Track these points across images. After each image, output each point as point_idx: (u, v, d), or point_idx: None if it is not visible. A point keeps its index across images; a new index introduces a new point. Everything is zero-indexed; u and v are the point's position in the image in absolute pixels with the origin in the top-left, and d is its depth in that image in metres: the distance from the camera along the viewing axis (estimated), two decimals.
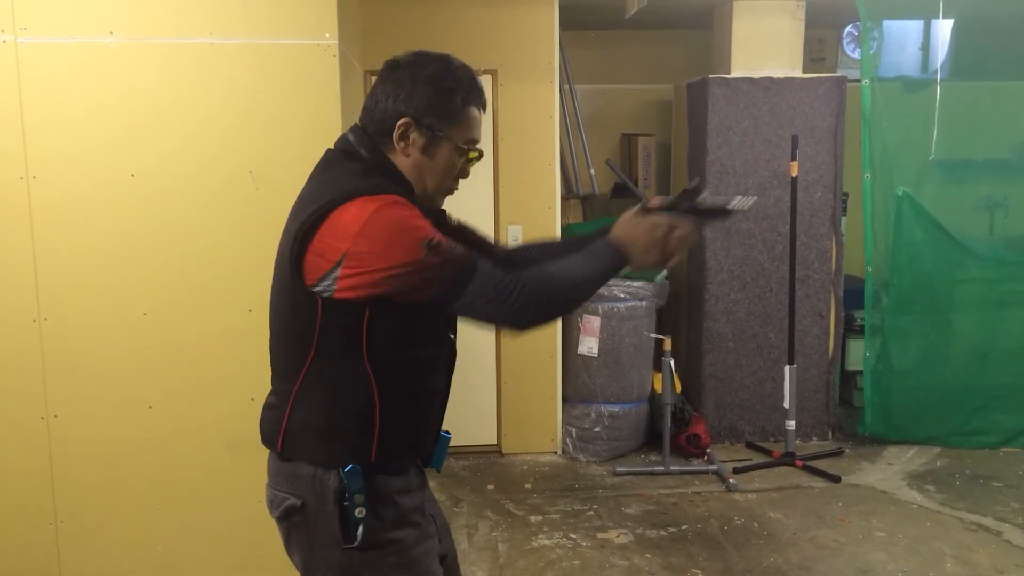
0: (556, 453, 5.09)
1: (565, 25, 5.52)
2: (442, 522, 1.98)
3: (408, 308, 1.67)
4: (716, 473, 4.77)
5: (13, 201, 3.01)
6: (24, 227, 3.02)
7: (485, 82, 4.83)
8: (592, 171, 5.75)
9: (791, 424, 4.87)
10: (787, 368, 4.86)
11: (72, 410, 3.12)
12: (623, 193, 5.97)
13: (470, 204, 4.82)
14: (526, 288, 1.65)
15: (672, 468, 4.77)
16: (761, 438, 5.30)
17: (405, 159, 1.75)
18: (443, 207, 1.90)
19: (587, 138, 5.87)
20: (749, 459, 4.98)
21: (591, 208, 5.87)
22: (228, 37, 3.05)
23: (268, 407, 1.81)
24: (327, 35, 3.10)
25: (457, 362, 1.90)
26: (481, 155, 1.83)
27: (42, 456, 3.13)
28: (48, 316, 3.07)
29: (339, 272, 1.61)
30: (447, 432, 1.94)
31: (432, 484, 4.48)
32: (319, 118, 3.12)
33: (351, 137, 1.78)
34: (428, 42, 4.91)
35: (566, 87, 5.64)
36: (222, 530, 3.23)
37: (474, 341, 4.94)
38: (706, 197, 1.86)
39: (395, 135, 1.73)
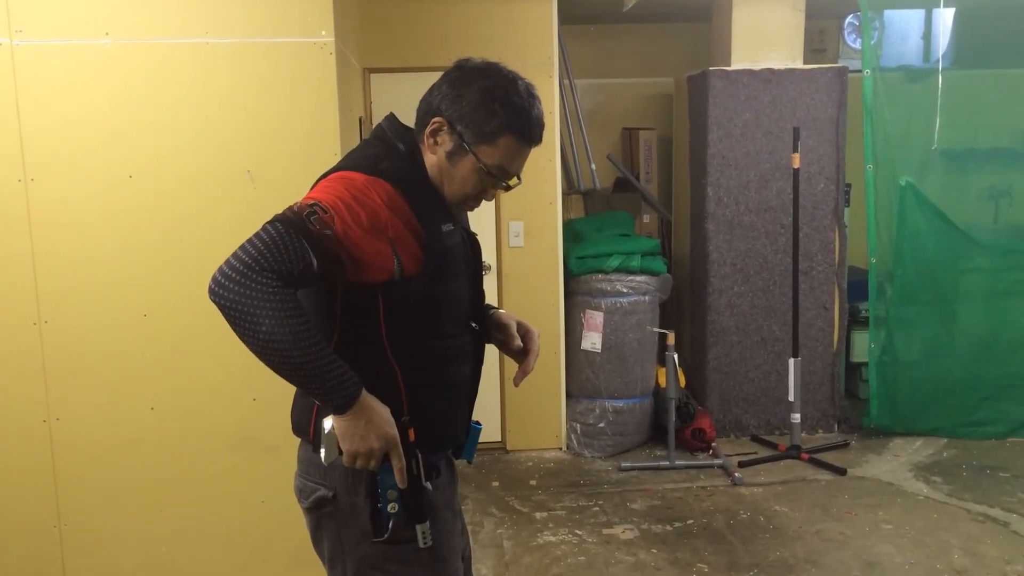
0: (561, 449, 5.07)
1: (564, 19, 5.50)
2: (463, 520, 1.97)
3: (419, 299, 1.68)
4: (721, 467, 4.75)
5: (11, 204, 3.00)
6: (23, 230, 3.01)
7: None
8: (593, 166, 5.72)
9: (796, 417, 4.85)
10: (791, 361, 4.84)
11: (74, 413, 3.12)
12: (625, 187, 5.96)
13: None
14: (283, 335, 1.48)
15: (677, 463, 4.76)
16: (766, 432, 5.28)
17: (431, 156, 1.75)
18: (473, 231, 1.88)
19: (588, 133, 5.85)
20: (754, 453, 4.96)
21: (593, 203, 5.85)
22: (224, 36, 3.03)
23: (299, 395, 1.80)
24: (323, 33, 3.08)
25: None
26: (508, 189, 1.77)
27: (44, 459, 3.12)
28: (48, 319, 3.06)
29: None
30: (478, 423, 1.93)
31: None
32: (317, 116, 3.11)
33: (385, 123, 1.80)
34: (424, 37, 4.92)
35: (566, 82, 5.62)
36: (226, 532, 3.22)
37: None
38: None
39: (427, 130, 1.73)
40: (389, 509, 1.69)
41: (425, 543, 1.70)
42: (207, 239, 3.08)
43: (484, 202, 1.83)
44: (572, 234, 5.25)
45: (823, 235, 5.23)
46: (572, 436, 5.05)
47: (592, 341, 4.94)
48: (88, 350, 3.09)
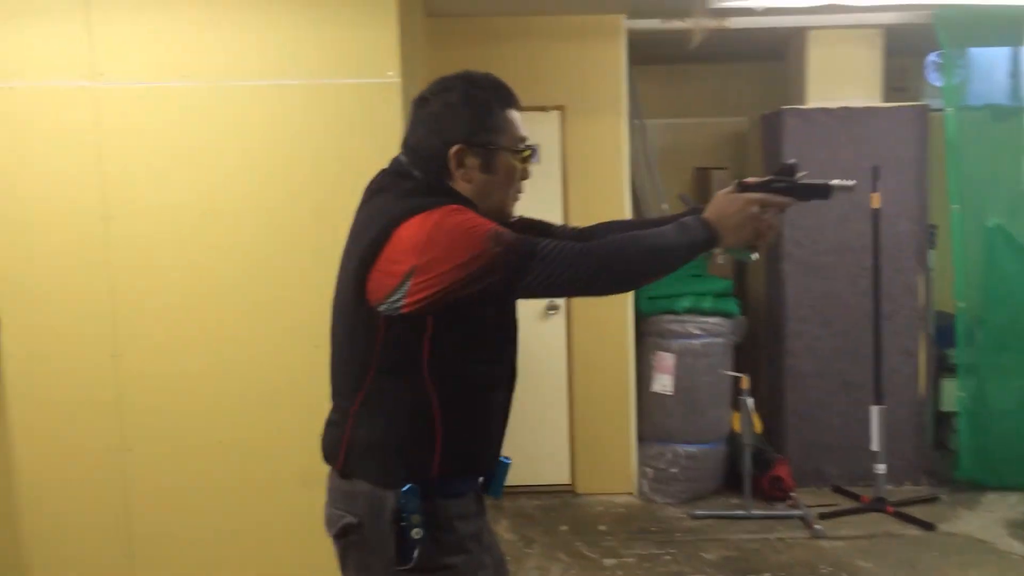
0: (631, 494, 4.94)
1: (636, 60, 5.49)
2: (498, 556, 1.91)
3: (469, 321, 1.67)
4: (801, 518, 4.55)
5: (91, 241, 3.10)
6: (101, 266, 3.11)
7: (552, 118, 4.87)
8: (665, 206, 5.64)
9: (881, 468, 4.62)
10: (874, 408, 4.63)
11: (146, 446, 3.17)
12: None
13: None
14: (598, 254, 1.62)
15: (754, 512, 4.57)
16: (849, 482, 5.04)
17: (467, 185, 1.74)
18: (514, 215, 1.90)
19: (660, 172, 5.79)
20: (836, 504, 4.74)
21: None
22: (295, 78, 3.11)
23: (329, 424, 1.81)
24: (390, 73, 3.13)
25: (518, 380, 1.87)
26: (534, 151, 1.84)
27: (117, 491, 3.17)
28: (124, 352, 3.13)
29: (408, 287, 1.61)
30: (507, 458, 1.90)
31: (503, 524, 4.47)
32: (384, 154, 3.10)
33: (403, 159, 1.79)
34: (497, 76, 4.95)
35: (636, 121, 5.58)
36: (296, 566, 3.20)
37: (546, 377, 4.87)
38: (805, 175, 1.81)
39: (452, 165, 1.73)
40: (413, 535, 1.66)
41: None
42: (276, 276, 3.12)
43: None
44: None
45: (906, 277, 5.03)
46: (643, 481, 4.92)
47: (663, 383, 4.83)
48: (160, 384, 3.16)
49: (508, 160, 1.76)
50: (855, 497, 4.81)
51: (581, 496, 4.94)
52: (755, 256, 1.80)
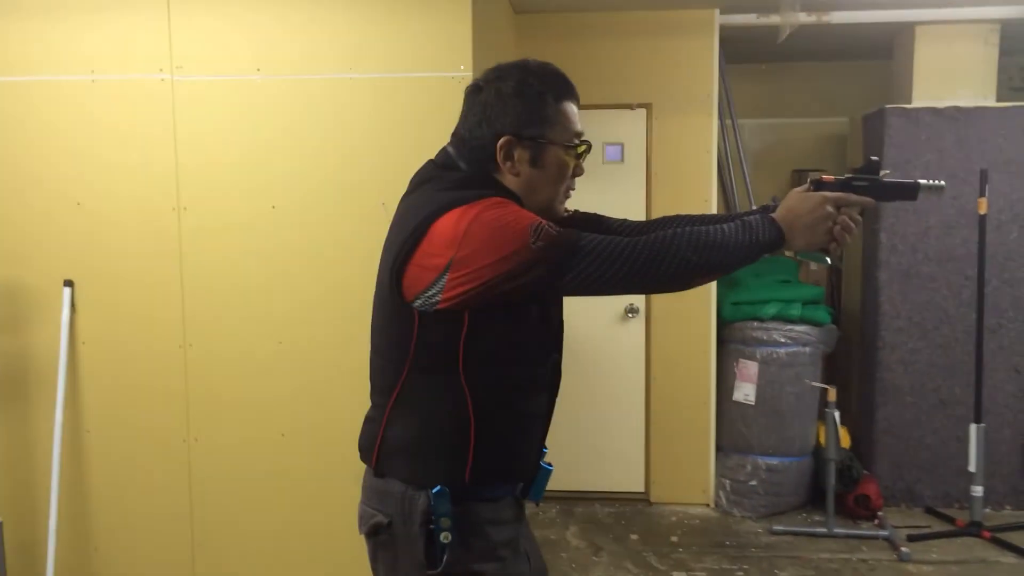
0: (708, 505, 4.79)
1: (731, 58, 5.31)
2: (539, 565, 1.85)
3: (508, 320, 1.62)
4: (887, 539, 4.31)
5: (166, 232, 3.17)
6: (174, 258, 3.18)
7: (638, 117, 4.75)
8: (755, 207, 5.44)
9: (978, 490, 4.33)
10: (973, 427, 4.35)
11: (211, 435, 3.23)
12: None
13: None
14: (646, 249, 1.53)
15: (836, 531, 4.36)
16: (943, 504, 4.76)
17: (515, 178, 1.68)
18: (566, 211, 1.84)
19: (756, 174, 5.60)
20: (927, 526, 4.47)
21: (769, 255, 5.55)
22: (367, 72, 3.10)
23: (366, 420, 1.79)
24: (461, 67, 3.09)
25: (561, 384, 1.82)
26: (589, 147, 1.75)
27: (182, 478, 3.25)
28: (193, 343, 3.20)
29: (445, 282, 1.57)
30: (549, 464, 1.85)
31: (572, 529, 4.40)
32: None
33: (451, 150, 1.74)
34: (582, 75, 4.85)
35: (728, 121, 5.40)
36: (352, 560, 3.22)
37: (623, 381, 4.77)
38: (888, 174, 1.70)
39: (499, 156, 1.67)
40: (443, 539, 1.62)
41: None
42: (343, 271, 3.13)
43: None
44: (729, 280, 4.99)
45: (1017, 289, 4.71)
46: (721, 492, 4.76)
47: (745, 392, 4.66)
48: (226, 376, 3.21)
49: (559, 155, 1.69)
50: (949, 520, 4.53)
51: (655, 505, 4.81)
52: (828, 261, 1.68)
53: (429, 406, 1.66)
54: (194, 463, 3.23)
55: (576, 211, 1.93)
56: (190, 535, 3.26)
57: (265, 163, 3.14)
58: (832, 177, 1.67)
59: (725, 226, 1.60)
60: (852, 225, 1.64)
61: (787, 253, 1.66)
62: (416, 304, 1.60)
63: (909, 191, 1.72)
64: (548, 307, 1.73)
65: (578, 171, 1.75)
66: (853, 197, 1.64)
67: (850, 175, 1.68)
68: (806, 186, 1.67)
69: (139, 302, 3.19)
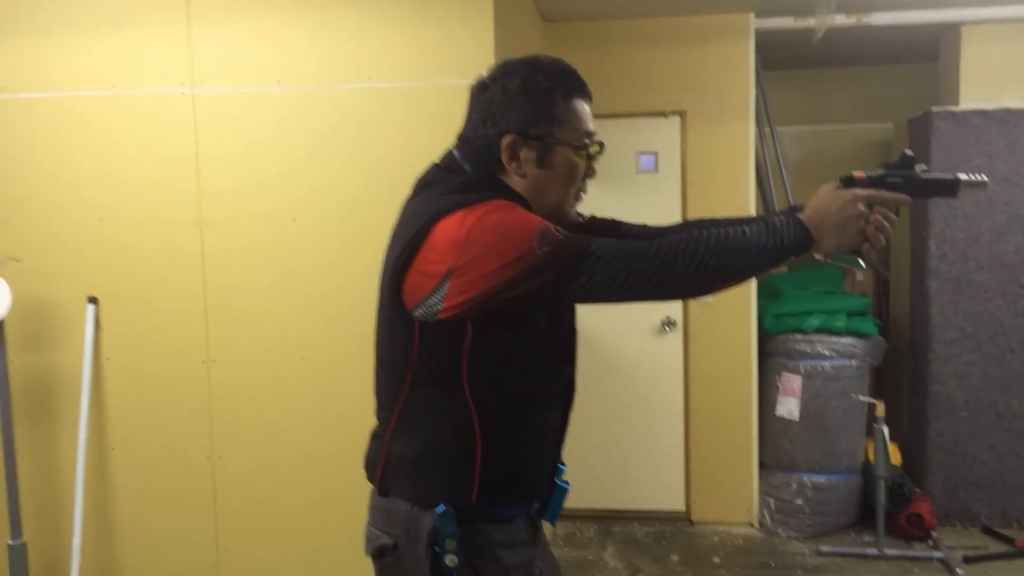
0: (752, 525, 4.61)
1: (769, 64, 5.18)
2: None
3: (514, 331, 1.53)
4: (942, 561, 4.10)
5: (188, 247, 3.14)
6: (197, 273, 3.14)
7: (672, 124, 4.64)
8: None
9: None
10: None
11: (234, 453, 3.18)
12: None
13: None
14: (661, 253, 1.44)
15: (887, 551, 4.16)
16: (1001, 523, 4.52)
17: (521, 180, 1.59)
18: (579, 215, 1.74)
19: (797, 183, 5.43)
20: (985, 547, 4.25)
21: (797, 258, 5.38)
22: (387, 81, 3.05)
23: (372, 438, 1.71)
24: (483, 75, 3.01)
25: (576, 397, 1.71)
26: (602, 147, 1.64)
27: (207, 494, 3.20)
28: (216, 359, 3.15)
29: (447, 289, 1.48)
30: (566, 482, 1.75)
31: (610, 550, 4.26)
32: None
33: (456, 153, 1.65)
34: (613, 83, 4.76)
35: (767, 129, 5.26)
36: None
37: (661, 396, 4.63)
38: (924, 169, 1.59)
39: (504, 157, 1.58)
40: (448, 562, 1.52)
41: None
42: (366, 283, 3.04)
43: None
44: (770, 291, 4.84)
45: None
46: (765, 512, 4.58)
47: (788, 407, 4.48)
48: (249, 391, 3.16)
49: (568, 156, 1.59)
50: (1007, 540, 4.30)
51: (696, 525, 4.65)
52: (862, 264, 1.56)
53: (433, 421, 1.57)
54: (218, 481, 3.18)
55: (593, 216, 1.83)
56: (215, 554, 3.21)
57: (287, 176, 3.10)
58: (864, 174, 1.56)
59: (747, 228, 1.49)
60: (886, 224, 1.52)
61: (816, 256, 1.54)
62: (417, 313, 1.52)
63: (948, 187, 1.61)
64: (558, 316, 1.62)
65: (590, 173, 1.65)
66: (887, 194, 1.52)
67: (884, 171, 1.56)
68: (835, 183, 1.55)
69: (163, 319, 3.16)
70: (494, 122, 1.58)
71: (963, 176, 1.60)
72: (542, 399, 1.62)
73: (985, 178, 1.60)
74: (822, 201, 1.52)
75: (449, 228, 1.48)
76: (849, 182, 1.54)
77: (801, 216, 1.51)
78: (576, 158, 1.60)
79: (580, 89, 1.61)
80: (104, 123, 3.13)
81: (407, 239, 1.53)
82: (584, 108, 1.61)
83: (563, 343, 1.66)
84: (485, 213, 1.47)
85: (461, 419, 1.54)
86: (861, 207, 1.50)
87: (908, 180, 1.55)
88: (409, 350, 1.55)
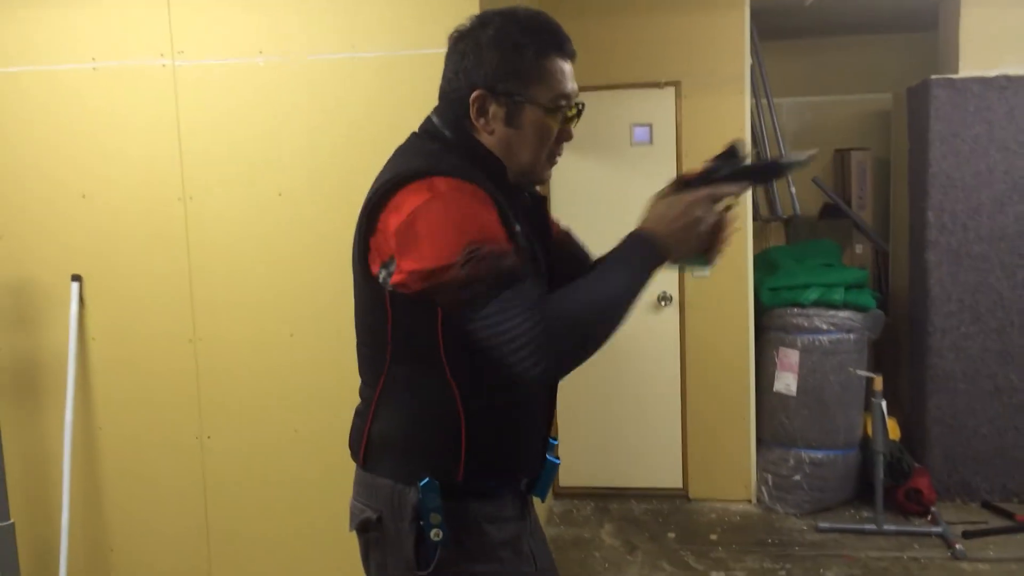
0: (750, 501, 4.57)
1: (766, 34, 5.10)
2: (545, 564, 1.68)
3: None
4: (941, 536, 4.07)
5: (172, 222, 3.07)
6: (182, 249, 3.08)
7: (666, 95, 4.56)
8: (793, 190, 5.22)
9: None
10: None
11: (223, 431, 3.13)
12: (834, 214, 5.41)
13: None
14: (544, 329, 1.35)
15: (886, 527, 4.13)
16: (1001, 497, 4.49)
17: (490, 137, 1.52)
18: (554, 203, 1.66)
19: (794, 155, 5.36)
20: (984, 522, 4.21)
21: (796, 231, 5.34)
22: (371, 51, 2.97)
23: (355, 415, 1.66)
24: (461, 25, 2.93)
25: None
26: (580, 110, 1.55)
27: (196, 475, 3.15)
28: (203, 337, 3.10)
29: (392, 269, 1.44)
30: (556, 458, 1.70)
31: (607, 528, 4.23)
32: None
33: (435, 118, 1.58)
34: (606, 53, 4.68)
35: (763, 101, 5.18)
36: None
37: (657, 373, 4.58)
38: (750, 155, 1.55)
39: (472, 112, 1.50)
40: (433, 536, 1.48)
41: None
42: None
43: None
44: (767, 264, 4.78)
45: None
46: (763, 488, 4.54)
47: (786, 382, 4.44)
48: (238, 370, 3.10)
49: (539, 117, 1.50)
50: (1007, 515, 4.27)
51: (694, 502, 4.61)
52: (708, 266, 1.54)
53: (415, 399, 1.52)
54: (207, 461, 3.13)
55: (568, 232, 1.76)
56: (206, 533, 3.17)
57: (271, 149, 3.02)
58: (694, 173, 1.52)
59: (603, 271, 1.46)
60: (726, 221, 1.50)
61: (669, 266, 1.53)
62: (380, 278, 1.46)
63: (774, 171, 1.63)
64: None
65: (564, 136, 1.56)
66: (720, 190, 1.48)
67: (710, 165, 1.52)
68: (668, 188, 1.53)
69: (148, 295, 3.10)
70: (465, 75, 1.50)
71: (784, 158, 1.58)
72: None
73: (809, 153, 1.55)
74: (660, 211, 1.49)
75: (400, 202, 1.42)
76: (680, 185, 1.52)
77: (642, 233, 1.48)
78: (548, 120, 1.51)
79: (557, 46, 1.51)
80: (84, 97, 3.05)
81: (366, 204, 1.49)
82: (560, 67, 1.51)
83: None
84: (433, 198, 1.39)
85: (443, 396, 1.49)
86: (698, 212, 1.46)
87: (735, 171, 1.51)
88: (384, 326, 1.50)
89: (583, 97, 1.62)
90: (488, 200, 1.44)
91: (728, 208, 1.52)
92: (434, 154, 1.50)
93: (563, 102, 1.51)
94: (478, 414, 1.50)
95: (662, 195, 1.53)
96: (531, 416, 1.60)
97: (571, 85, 1.53)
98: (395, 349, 1.51)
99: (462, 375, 1.48)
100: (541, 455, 1.65)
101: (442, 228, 1.38)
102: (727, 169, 1.51)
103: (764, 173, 1.65)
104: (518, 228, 1.50)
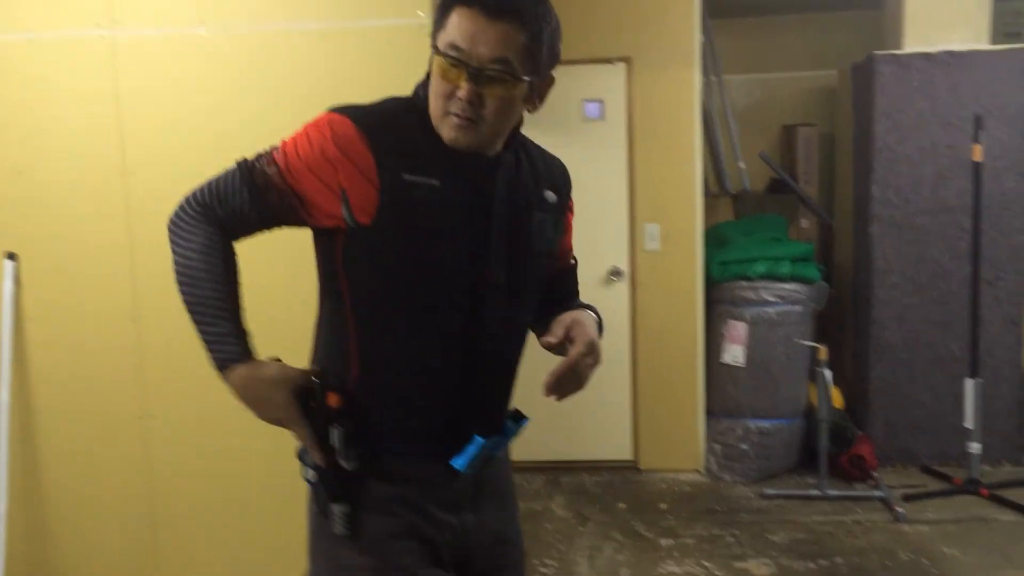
0: (698, 471, 4.65)
1: (715, 12, 5.12)
2: (483, 539, 1.64)
3: (385, 256, 1.47)
4: (882, 500, 4.18)
5: (111, 198, 3.00)
6: (121, 224, 3.01)
7: (617, 71, 4.56)
8: (742, 165, 5.28)
9: (975, 447, 4.19)
10: (969, 382, 4.20)
11: (166, 411, 3.09)
12: (781, 189, 5.47)
13: (603, 199, 4.51)
14: (183, 234, 1.57)
15: (830, 492, 4.23)
16: (939, 462, 4.62)
17: None
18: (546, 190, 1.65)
19: (744, 131, 5.42)
20: (923, 485, 4.34)
21: (744, 206, 5.39)
22: (317, 22, 2.92)
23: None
24: (420, 13, 2.91)
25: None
26: (455, 61, 1.42)
27: (138, 456, 3.10)
28: (144, 314, 3.04)
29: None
30: (481, 438, 1.56)
31: (559, 500, 4.27)
32: None
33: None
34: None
35: (713, 78, 5.21)
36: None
37: (608, 346, 4.59)
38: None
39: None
40: (309, 477, 1.54)
41: (343, 530, 1.51)
42: (299, 233, 2.96)
43: (616, 201, 1.72)
44: (717, 239, 4.83)
45: (1012, 239, 4.55)
46: (711, 457, 4.62)
47: (734, 354, 4.51)
48: (182, 348, 3.03)
49: (438, 64, 1.45)
50: (946, 479, 4.40)
51: (644, 473, 4.68)
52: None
53: (324, 344, 1.57)
54: (149, 440, 3.09)
55: (567, 271, 1.85)
56: (149, 513, 3.12)
57: (217, 122, 2.96)
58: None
59: (211, 315, 1.59)
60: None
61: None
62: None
63: None
64: (437, 249, 1.48)
65: (450, 91, 1.44)
66: (299, 435, 1.54)
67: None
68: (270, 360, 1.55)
69: (87, 274, 3.02)
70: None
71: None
72: (429, 334, 1.50)
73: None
74: (249, 374, 1.56)
75: None
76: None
77: (231, 375, 1.56)
78: (438, 69, 1.45)
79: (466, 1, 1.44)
80: (19, 70, 2.96)
81: None
82: (458, 18, 1.43)
83: (461, 276, 1.51)
84: (310, 123, 1.50)
85: (341, 344, 1.51)
86: (269, 417, 1.56)
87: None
88: (318, 265, 1.55)
89: None
90: (356, 145, 1.44)
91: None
92: (377, 102, 1.55)
93: (452, 52, 1.43)
94: (375, 368, 1.51)
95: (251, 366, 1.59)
96: (439, 381, 1.53)
97: (471, 43, 1.42)
98: (320, 286, 1.56)
99: (364, 325, 1.49)
100: (452, 423, 1.56)
101: (290, 139, 1.51)
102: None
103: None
104: (419, 179, 1.46)
